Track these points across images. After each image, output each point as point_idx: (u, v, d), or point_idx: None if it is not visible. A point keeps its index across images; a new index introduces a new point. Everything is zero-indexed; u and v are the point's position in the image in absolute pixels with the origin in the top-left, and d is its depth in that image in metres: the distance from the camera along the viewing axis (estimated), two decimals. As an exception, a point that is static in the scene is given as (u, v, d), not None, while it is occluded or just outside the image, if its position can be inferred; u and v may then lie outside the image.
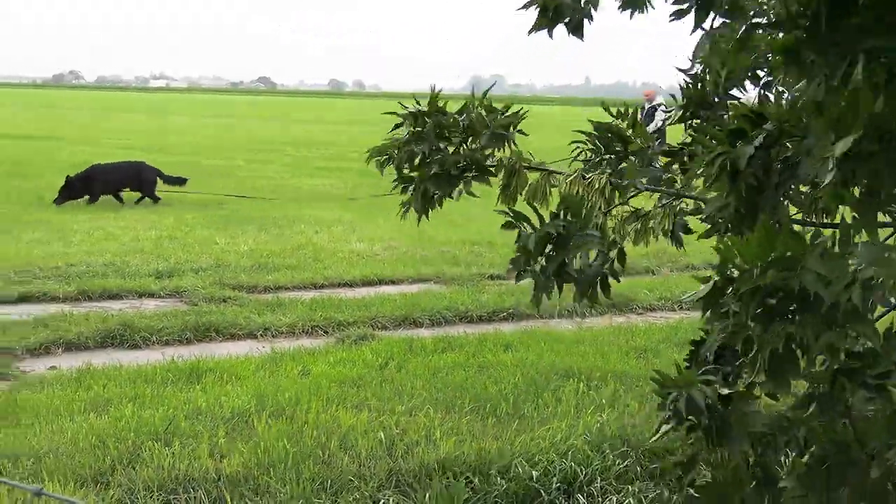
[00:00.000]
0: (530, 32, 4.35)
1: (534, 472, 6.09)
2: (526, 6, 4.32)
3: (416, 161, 4.61)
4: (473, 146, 4.59)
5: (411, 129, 4.61)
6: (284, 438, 6.29)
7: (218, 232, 15.44)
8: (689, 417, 3.24)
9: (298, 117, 72.44)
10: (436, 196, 4.62)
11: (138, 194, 19.15)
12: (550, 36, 4.36)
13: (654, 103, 25.72)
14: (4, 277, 11.38)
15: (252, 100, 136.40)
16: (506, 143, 4.58)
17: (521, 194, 4.61)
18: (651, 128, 24.76)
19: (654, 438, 3.48)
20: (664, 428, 3.32)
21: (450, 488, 5.80)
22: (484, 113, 4.58)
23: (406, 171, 4.68)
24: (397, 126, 4.67)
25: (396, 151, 4.63)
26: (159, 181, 19.43)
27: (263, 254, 13.53)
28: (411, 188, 4.67)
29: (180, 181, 19.71)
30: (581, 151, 4.81)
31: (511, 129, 4.58)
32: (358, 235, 15.61)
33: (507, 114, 4.61)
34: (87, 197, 18.55)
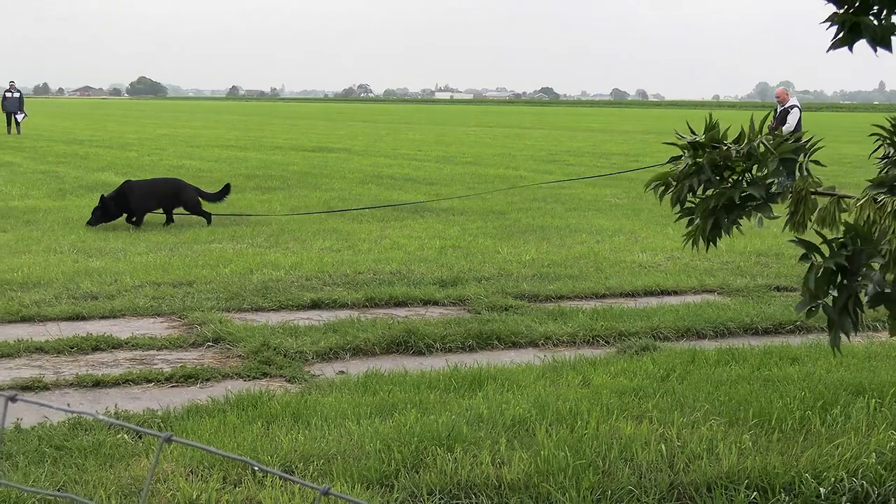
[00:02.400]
0: (829, 50, 4.21)
1: (821, 490, 5.87)
2: (830, 21, 4.17)
3: (699, 191, 4.53)
4: (758, 174, 4.47)
5: (690, 159, 4.53)
6: (565, 447, 6.28)
7: (501, 241, 15.61)
8: None
9: (582, 126, 72.53)
10: (721, 225, 4.53)
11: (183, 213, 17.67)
12: (850, 51, 4.20)
13: (786, 105, 23.71)
14: (297, 284, 11.85)
15: (536, 110, 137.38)
16: (795, 170, 4.44)
17: (809, 220, 4.45)
18: (784, 130, 22.96)
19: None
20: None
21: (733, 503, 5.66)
22: (768, 141, 4.45)
23: (690, 199, 4.61)
24: (675, 158, 4.60)
25: (675, 185, 4.56)
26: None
27: (545, 263, 13.59)
28: (696, 220, 4.59)
29: (225, 191, 18.27)
30: (880, 146, 4.61)
31: (801, 156, 4.44)
32: (641, 245, 15.48)
33: (797, 144, 4.46)
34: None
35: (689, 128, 4.59)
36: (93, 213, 16.89)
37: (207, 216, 17.53)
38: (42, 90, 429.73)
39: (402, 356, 9.26)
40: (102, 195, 17.18)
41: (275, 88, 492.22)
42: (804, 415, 7.10)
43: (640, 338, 9.73)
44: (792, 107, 23.40)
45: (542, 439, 6.47)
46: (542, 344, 9.72)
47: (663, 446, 6.39)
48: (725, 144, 4.46)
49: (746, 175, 4.48)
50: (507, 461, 6.16)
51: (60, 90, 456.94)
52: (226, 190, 18.38)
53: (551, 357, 9.00)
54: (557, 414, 7.02)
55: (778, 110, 23.69)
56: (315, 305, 11.02)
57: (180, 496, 5.63)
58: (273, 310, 10.83)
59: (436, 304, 11.29)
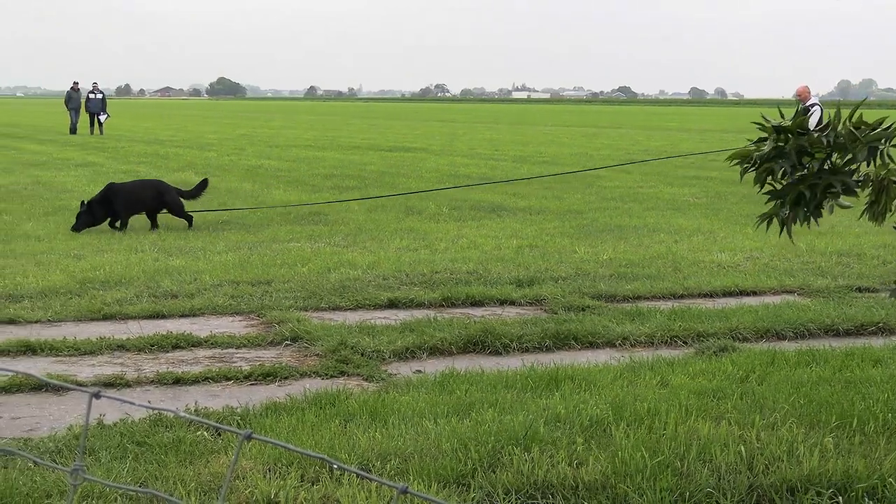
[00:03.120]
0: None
1: (905, 495, 5.78)
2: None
3: (779, 175, 4.48)
4: (839, 162, 4.41)
5: (774, 143, 4.49)
6: (642, 448, 6.24)
7: (578, 241, 15.56)
8: None
9: (659, 125, 72.06)
10: (803, 212, 4.48)
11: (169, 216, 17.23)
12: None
13: (808, 103, 22.55)
14: (375, 283, 11.90)
15: (613, 109, 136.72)
16: (877, 157, 4.38)
17: (890, 209, 4.39)
18: None
19: None
20: None
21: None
22: (853, 128, 4.40)
23: (769, 183, 4.56)
24: (761, 140, 4.55)
25: (758, 165, 4.52)
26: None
27: (623, 263, 13.52)
28: (776, 202, 4.54)
29: (202, 186, 17.78)
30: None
31: (885, 142, 4.38)
32: (720, 245, 15.33)
33: (879, 129, 4.41)
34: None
35: (780, 112, 4.53)
36: (77, 218, 16.32)
37: (189, 219, 17.07)
38: (124, 91, 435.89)
39: (478, 356, 9.26)
40: (83, 200, 16.71)
41: (352, 88, 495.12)
42: (887, 417, 6.99)
43: (718, 338, 9.65)
44: (813, 106, 22.33)
45: (620, 440, 6.43)
46: (620, 344, 9.67)
47: (742, 448, 6.32)
48: (813, 131, 4.42)
49: (827, 163, 4.43)
50: (584, 461, 6.14)
51: (142, 91, 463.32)
52: (203, 184, 17.94)
53: (629, 357, 8.95)
54: (635, 414, 6.97)
55: (799, 109, 22.96)
56: (392, 305, 11.05)
57: (258, 493, 5.67)
58: (350, 309, 10.89)
59: (512, 303, 11.28)
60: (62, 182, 25.02)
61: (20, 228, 16.50)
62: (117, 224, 16.67)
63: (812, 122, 21.72)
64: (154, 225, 16.91)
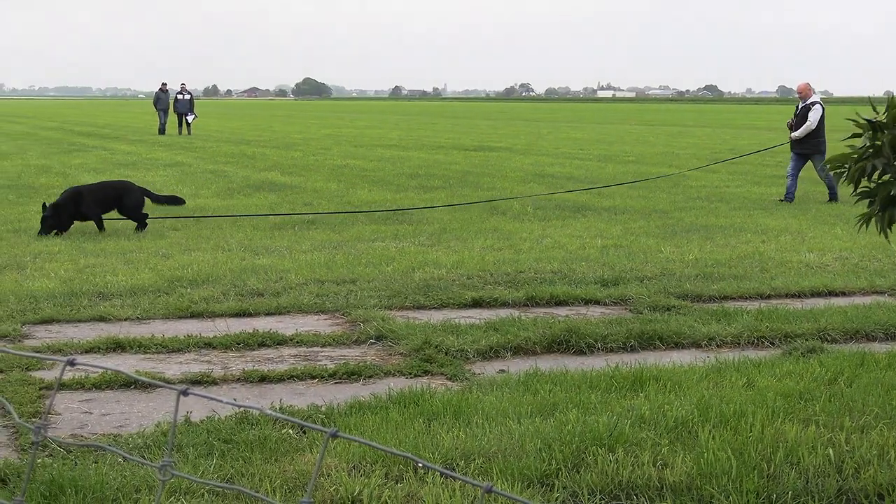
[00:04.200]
0: None
1: None
2: None
3: (875, 175, 4.41)
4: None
5: (869, 140, 4.41)
6: (728, 450, 6.18)
7: (663, 241, 15.44)
8: None
9: (746, 124, 71.30)
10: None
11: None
12: None
13: (808, 101, 21.60)
14: (459, 283, 11.91)
15: (699, 108, 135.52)
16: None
17: None
18: (799, 132, 21.34)
19: None
20: None
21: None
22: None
23: (865, 183, 4.48)
24: (855, 136, 4.48)
25: (852, 164, 4.45)
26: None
27: (709, 263, 13.39)
28: (871, 202, 4.47)
29: (175, 200, 17.80)
30: None
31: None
32: (808, 245, 15.12)
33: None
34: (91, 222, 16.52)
35: (872, 106, 4.45)
36: (42, 223, 15.92)
37: (143, 223, 16.64)
38: (211, 92, 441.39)
39: (562, 355, 9.23)
40: (45, 203, 16.35)
41: (437, 88, 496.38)
42: (980, 421, 6.85)
43: (806, 339, 9.51)
44: (814, 104, 21.48)
45: (705, 441, 6.38)
46: (706, 345, 9.59)
47: (831, 451, 6.23)
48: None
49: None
50: (669, 463, 6.09)
51: (229, 91, 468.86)
52: (175, 199, 17.82)
53: (714, 358, 8.86)
54: (721, 416, 6.90)
55: (799, 107, 21.99)
56: (476, 304, 11.06)
57: (343, 491, 5.71)
58: (435, 308, 10.91)
59: (597, 303, 11.23)
60: (151, 182, 25.33)
61: (110, 227, 16.75)
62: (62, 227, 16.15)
63: (813, 119, 20.89)
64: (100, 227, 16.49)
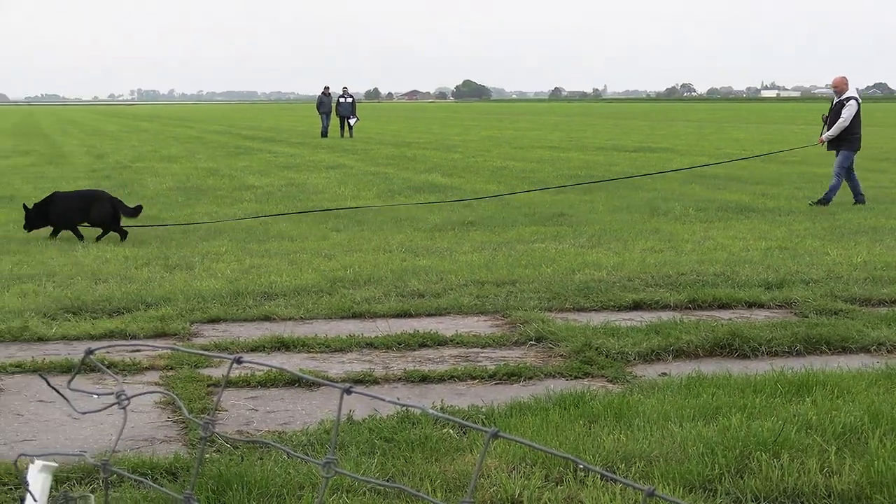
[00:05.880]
0: None
1: None
2: None
3: None
4: None
5: None
6: (899, 458, 5.99)
7: (829, 243, 15.07)
8: None
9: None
10: None
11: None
12: None
13: (843, 96, 20.28)
14: (619, 284, 11.81)
15: (869, 106, 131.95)
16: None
17: None
18: (831, 132, 19.98)
19: None
20: None
21: None
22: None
23: None
24: None
25: None
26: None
27: (878, 265, 13.00)
28: None
29: (136, 212, 16.58)
30: None
31: None
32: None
33: None
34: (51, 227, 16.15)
35: None
36: (26, 220, 16.00)
37: (120, 232, 16.13)
38: (373, 95, 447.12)
39: (725, 359, 9.08)
40: (24, 204, 16.35)
41: (597, 89, 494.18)
42: None
43: (983, 345, 9.17)
44: (849, 99, 20.17)
45: (875, 449, 6.19)
46: (875, 350, 9.32)
47: None
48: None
49: None
50: (837, 470, 5.94)
51: (390, 94, 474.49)
52: (137, 209, 16.88)
53: (885, 364, 8.60)
54: (892, 423, 6.70)
55: (834, 102, 20.63)
56: (637, 306, 10.96)
57: (502, 492, 5.71)
58: (595, 310, 10.84)
59: (761, 306, 11.02)
60: (314, 183, 25.82)
61: (275, 228, 17.09)
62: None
63: (848, 115, 19.70)
64: (78, 236, 16.14)
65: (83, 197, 16.58)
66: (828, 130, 20.36)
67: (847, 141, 20.13)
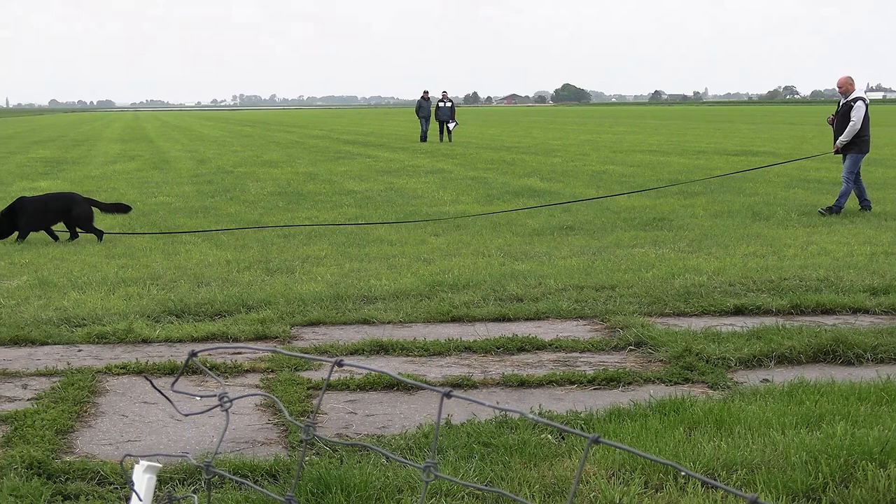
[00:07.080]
0: None
1: None
2: None
3: None
4: None
5: None
6: None
7: (938, 247, 14.75)
8: None
9: None
10: None
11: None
12: None
13: (850, 97, 19.31)
14: (720, 289, 11.67)
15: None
16: None
17: None
18: (844, 137, 18.93)
19: None
20: None
21: None
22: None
23: None
24: None
25: None
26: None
27: None
28: None
29: (122, 208, 17.42)
30: None
31: None
32: None
33: None
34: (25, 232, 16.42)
35: None
36: None
37: (75, 234, 16.57)
38: (472, 99, 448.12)
39: (829, 365, 8.93)
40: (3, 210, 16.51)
41: (697, 92, 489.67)
42: None
43: None
44: (856, 100, 19.25)
45: None
46: None
47: None
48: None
49: None
50: (944, 481, 5.80)
51: (489, 98, 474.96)
52: (122, 207, 17.62)
53: None
54: None
55: (840, 104, 19.66)
56: (738, 311, 10.83)
57: (602, 498, 5.68)
58: (695, 315, 10.74)
59: (866, 312, 10.81)
60: (413, 188, 25.92)
61: (374, 233, 17.20)
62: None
63: (857, 118, 18.86)
64: (72, 235, 16.58)
65: (57, 199, 16.81)
66: (835, 133, 19.67)
67: (855, 144, 19.35)
